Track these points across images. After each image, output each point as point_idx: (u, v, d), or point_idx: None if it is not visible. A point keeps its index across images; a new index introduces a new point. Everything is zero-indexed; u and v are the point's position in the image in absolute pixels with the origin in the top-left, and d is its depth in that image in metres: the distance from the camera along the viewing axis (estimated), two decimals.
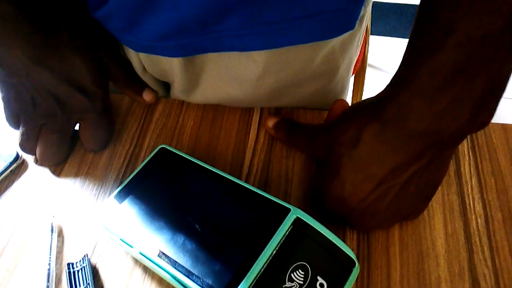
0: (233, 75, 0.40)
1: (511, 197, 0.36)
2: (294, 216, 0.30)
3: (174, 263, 0.29)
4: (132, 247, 0.31)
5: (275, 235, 0.29)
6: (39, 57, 0.35)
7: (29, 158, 0.41)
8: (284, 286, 0.28)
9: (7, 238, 0.35)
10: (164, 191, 0.34)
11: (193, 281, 0.28)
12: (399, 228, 0.34)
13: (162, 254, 0.30)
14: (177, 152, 0.36)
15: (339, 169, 0.31)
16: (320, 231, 0.30)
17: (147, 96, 0.43)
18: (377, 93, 0.31)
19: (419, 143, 0.28)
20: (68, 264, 0.32)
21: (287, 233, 0.30)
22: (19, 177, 0.39)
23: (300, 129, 0.38)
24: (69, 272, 0.32)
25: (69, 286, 0.31)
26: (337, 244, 0.30)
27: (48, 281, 0.32)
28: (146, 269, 0.33)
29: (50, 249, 0.33)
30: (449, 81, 0.26)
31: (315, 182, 0.34)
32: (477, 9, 0.23)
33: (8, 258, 0.34)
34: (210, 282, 0.28)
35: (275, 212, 0.31)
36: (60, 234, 0.35)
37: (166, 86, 0.47)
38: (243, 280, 0.27)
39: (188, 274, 0.29)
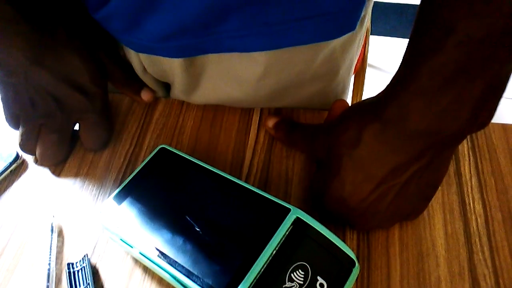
0: (233, 76, 0.40)
1: (511, 197, 0.36)
2: (294, 216, 0.30)
3: (174, 263, 0.29)
4: (132, 247, 0.31)
5: (275, 235, 0.29)
6: (37, 57, 0.35)
7: (29, 158, 0.41)
8: (284, 286, 0.28)
9: (7, 238, 0.35)
10: (164, 191, 0.34)
11: (193, 281, 0.28)
12: (399, 228, 0.34)
13: (162, 254, 0.30)
14: (177, 152, 0.36)
15: (339, 169, 0.31)
16: (320, 231, 0.30)
17: (145, 96, 0.43)
18: (377, 93, 0.31)
19: (419, 143, 0.28)
20: (68, 264, 0.32)
21: (287, 233, 0.30)
22: (19, 177, 0.39)
23: (300, 129, 0.38)
24: (69, 272, 0.32)
25: (69, 286, 0.31)
26: (337, 244, 0.30)
27: (48, 281, 0.32)
28: (146, 269, 0.33)
29: (50, 249, 0.33)
30: (449, 81, 0.26)
31: (315, 182, 0.34)
32: (477, 9, 0.23)
33: (8, 258, 0.34)
34: (210, 282, 0.28)
35: (275, 212, 0.31)
36: (60, 234, 0.35)
37: (167, 86, 0.47)
38: (243, 280, 0.27)
39: (188, 274, 0.29)
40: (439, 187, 0.34)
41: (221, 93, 0.42)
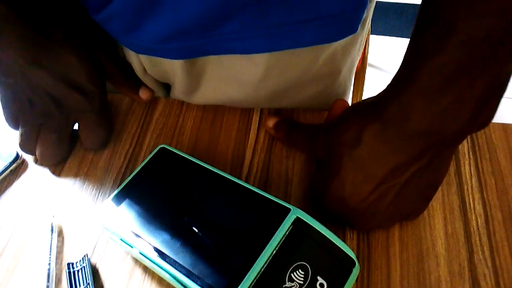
0: (234, 77, 0.40)
1: (511, 197, 0.36)
2: (294, 216, 0.30)
3: (174, 263, 0.29)
4: (132, 247, 0.31)
5: (275, 235, 0.29)
6: (33, 57, 0.35)
7: (29, 158, 0.41)
8: (284, 286, 0.28)
9: (7, 238, 0.35)
10: (164, 191, 0.34)
11: (193, 281, 0.28)
12: (399, 228, 0.34)
13: (162, 254, 0.30)
14: (177, 152, 0.36)
15: (339, 169, 0.31)
16: (320, 231, 0.30)
17: (143, 94, 0.43)
18: (377, 93, 0.31)
19: (419, 143, 0.28)
20: (68, 264, 0.32)
21: (287, 233, 0.30)
22: (19, 177, 0.39)
23: (300, 129, 0.38)
24: (69, 272, 0.32)
25: (69, 286, 0.31)
26: (337, 244, 0.30)
27: (48, 281, 0.32)
28: (146, 269, 0.33)
29: (50, 249, 0.33)
30: (450, 81, 0.26)
31: (315, 182, 0.34)
32: (478, 8, 0.23)
33: (8, 258, 0.34)
34: (210, 282, 0.28)
35: (275, 212, 0.31)
36: (60, 234, 0.35)
37: (167, 86, 0.47)
38: (243, 280, 0.27)
39: (188, 274, 0.29)
40: (439, 187, 0.34)
41: (222, 94, 0.42)
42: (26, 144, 0.39)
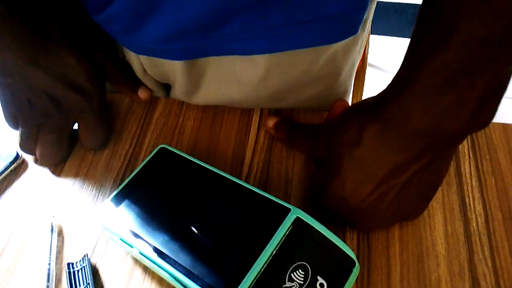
0: (234, 78, 0.40)
1: (511, 197, 0.36)
2: (294, 216, 0.30)
3: (174, 263, 0.29)
4: (132, 247, 0.31)
5: (275, 235, 0.29)
6: (31, 57, 0.35)
7: (29, 158, 0.41)
8: (284, 286, 0.28)
9: (7, 238, 0.35)
10: (164, 191, 0.34)
11: (193, 281, 0.28)
12: (399, 228, 0.34)
13: (162, 254, 0.30)
14: (177, 152, 0.36)
15: (339, 169, 0.31)
16: (320, 231, 0.30)
17: (142, 94, 0.43)
18: (377, 93, 0.31)
19: (419, 143, 0.28)
20: (68, 264, 0.32)
21: (287, 233, 0.30)
22: (19, 177, 0.39)
23: (300, 129, 0.38)
24: (69, 272, 0.32)
25: (69, 286, 0.31)
26: (337, 244, 0.30)
27: (48, 281, 0.32)
28: (146, 269, 0.33)
29: (50, 249, 0.33)
30: (451, 81, 0.26)
31: (315, 182, 0.34)
32: (479, 9, 0.23)
33: (8, 258, 0.34)
34: (210, 282, 0.28)
35: (275, 212, 0.31)
36: (60, 234, 0.35)
37: (167, 87, 0.47)
38: (243, 280, 0.27)
39: (188, 274, 0.29)
40: (439, 187, 0.34)
41: (222, 95, 0.42)
42: (26, 144, 0.39)
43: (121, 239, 0.32)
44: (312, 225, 0.30)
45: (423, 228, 0.34)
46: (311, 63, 0.40)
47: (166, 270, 0.29)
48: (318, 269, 0.29)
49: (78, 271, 0.32)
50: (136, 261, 0.34)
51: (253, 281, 0.27)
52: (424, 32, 0.27)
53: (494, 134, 0.40)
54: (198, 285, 0.28)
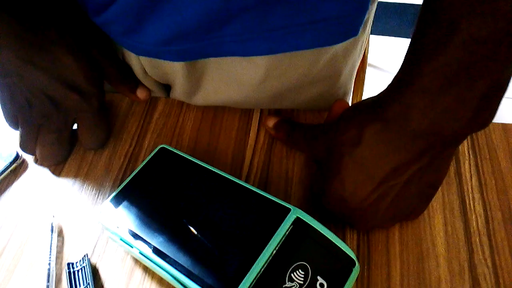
0: (234, 79, 0.40)
1: (511, 197, 0.36)
2: (294, 216, 0.30)
3: (174, 263, 0.29)
4: (132, 247, 0.31)
5: (275, 235, 0.29)
6: (29, 57, 0.35)
7: (29, 158, 0.41)
8: (284, 286, 0.28)
9: (7, 238, 0.35)
10: (164, 191, 0.34)
11: (193, 281, 0.28)
12: (399, 228, 0.34)
13: (162, 254, 0.30)
14: (177, 152, 0.36)
15: (340, 168, 0.31)
16: (320, 231, 0.30)
17: (141, 94, 0.43)
18: (377, 93, 0.31)
19: (420, 143, 0.28)
20: (68, 264, 0.32)
21: (287, 233, 0.30)
22: (19, 177, 0.39)
23: (300, 129, 0.38)
24: (69, 272, 0.32)
25: (69, 286, 0.31)
26: (337, 244, 0.30)
27: (48, 281, 0.32)
28: (146, 269, 0.33)
29: (50, 249, 0.33)
30: (452, 81, 0.26)
31: (315, 182, 0.34)
32: (480, 9, 0.23)
33: (8, 258, 0.34)
34: (210, 282, 0.28)
35: (275, 212, 0.31)
36: (60, 234, 0.35)
37: (167, 87, 0.47)
38: (243, 280, 0.27)
39: (188, 274, 0.29)
40: (439, 187, 0.34)
41: (222, 96, 0.42)
42: (26, 144, 0.39)
43: (121, 239, 0.32)
44: (312, 225, 0.30)
45: (423, 228, 0.34)
46: (311, 64, 0.40)
47: (166, 270, 0.29)
48: (318, 269, 0.29)
49: (78, 271, 0.32)
50: (136, 261, 0.34)
51: (253, 281, 0.27)
52: (425, 32, 0.27)
53: (494, 134, 0.40)
54: (198, 285, 0.28)
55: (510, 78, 0.27)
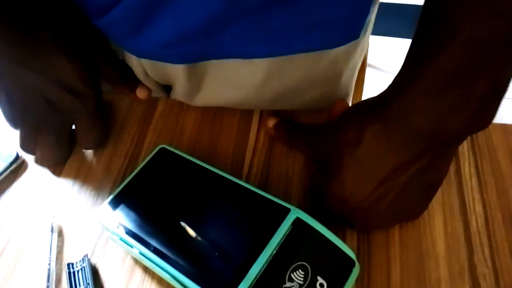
0: (235, 81, 0.40)
1: (511, 197, 0.36)
2: (294, 216, 0.30)
3: (174, 263, 0.29)
4: (132, 247, 0.31)
5: (275, 235, 0.29)
6: (22, 59, 0.35)
7: (29, 158, 0.41)
8: (284, 286, 0.28)
9: (7, 238, 0.35)
10: (164, 191, 0.34)
11: (193, 281, 0.28)
12: (399, 228, 0.34)
13: (162, 254, 0.30)
14: (177, 152, 0.36)
15: (340, 168, 0.31)
16: (320, 231, 0.30)
17: (141, 94, 0.42)
18: (377, 93, 0.31)
19: (420, 143, 0.28)
20: (68, 264, 0.32)
21: (287, 233, 0.30)
22: (19, 177, 0.39)
23: (300, 129, 0.38)
24: (69, 272, 0.32)
25: (69, 286, 0.31)
26: (337, 244, 0.30)
27: (48, 281, 0.32)
28: (146, 269, 0.33)
29: (50, 249, 0.33)
30: (452, 82, 0.26)
31: (315, 181, 0.34)
32: (481, 10, 0.24)
33: (8, 258, 0.34)
34: (210, 282, 0.28)
35: (275, 212, 0.31)
36: (60, 234, 0.35)
37: (167, 88, 0.47)
38: (243, 280, 0.27)
39: (188, 274, 0.29)
40: (439, 187, 0.34)
41: (222, 97, 0.42)
42: (26, 144, 0.39)
43: (121, 239, 0.32)
44: (312, 225, 0.30)
45: (423, 228, 0.34)
46: (312, 67, 0.40)
47: (166, 270, 0.29)
48: (318, 269, 0.29)
49: (78, 271, 0.32)
50: (136, 261, 0.34)
51: (253, 281, 0.27)
52: (425, 33, 0.27)
53: (494, 134, 0.40)
54: (198, 285, 0.28)
55: (510, 79, 0.27)
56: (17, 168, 0.40)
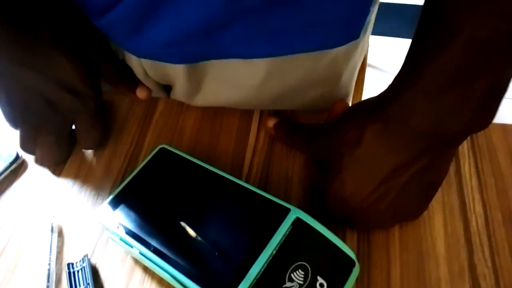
0: (235, 81, 0.40)
1: (511, 197, 0.36)
2: (294, 216, 0.30)
3: (174, 263, 0.29)
4: (132, 247, 0.31)
5: (275, 235, 0.29)
6: (21, 59, 0.35)
7: (29, 158, 0.41)
8: (284, 286, 0.28)
9: (7, 238, 0.35)
10: (164, 191, 0.34)
11: (193, 281, 0.28)
12: (399, 228, 0.34)
13: (162, 254, 0.30)
14: (177, 152, 0.36)
15: (340, 168, 0.31)
16: (320, 231, 0.30)
17: (141, 94, 0.42)
18: (377, 93, 0.31)
19: (420, 143, 0.28)
20: (68, 264, 0.32)
21: (287, 233, 0.30)
22: (19, 177, 0.39)
23: (300, 129, 0.38)
24: (69, 272, 0.32)
25: (69, 286, 0.31)
26: (337, 244, 0.30)
27: (48, 281, 0.32)
28: (146, 269, 0.33)
29: (50, 249, 0.33)
30: (452, 82, 0.26)
31: (315, 181, 0.34)
32: (481, 10, 0.24)
33: (8, 258, 0.34)
34: (210, 282, 0.28)
35: (275, 212, 0.31)
36: (60, 234, 0.35)
37: (167, 88, 0.47)
38: (243, 280, 0.27)
39: (188, 274, 0.29)
40: (439, 187, 0.34)
41: (222, 97, 0.42)
42: (26, 145, 0.39)
43: (121, 239, 0.32)
44: (312, 225, 0.30)
45: (423, 228, 0.34)
46: (312, 67, 0.40)
47: (166, 270, 0.29)
48: (318, 269, 0.29)
49: (78, 271, 0.32)
50: (136, 261, 0.34)
51: (253, 281, 0.27)
52: (425, 33, 0.27)
53: (494, 135, 0.40)
54: (198, 285, 0.28)
55: (510, 79, 0.27)
56: (17, 168, 0.40)
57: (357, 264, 0.30)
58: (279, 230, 0.30)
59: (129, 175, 0.35)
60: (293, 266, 0.28)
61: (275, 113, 0.43)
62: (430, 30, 0.26)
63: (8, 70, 0.35)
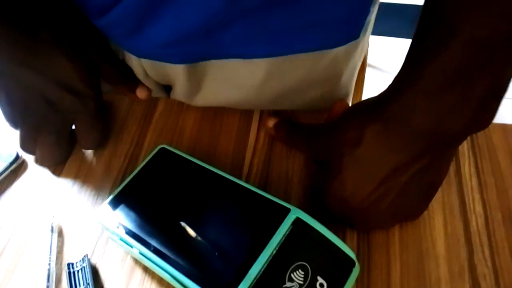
0: (235, 81, 0.40)
1: (511, 197, 0.36)
2: (294, 216, 0.30)
3: (174, 263, 0.29)
4: (132, 247, 0.31)
5: (275, 235, 0.29)
6: (22, 59, 0.35)
7: (29, 158, 0.41)
8: (284, 286, 0.28)
9: (7, 238, 0.35)
10: (164, 191, 0.34)
11: (193, 281, 0.28)
12: (399, 228, 0.34)
13: (162, 254, 0.30)
14: (177, 152, 0.36)
15: (340, 168, 0.31)
16: (320, 231, 0.30)
17: (141, 94, 0.42)
18: (377, 93, 0.31)
19: (420, 143, 0.28)
20: (68, 264, 0.32)
21: (287, 233, 0.30)
22: (19, 177, 0.39)
23: (300, 129, 0.38)
24: (69, 272, 0.32)
25: (69, 286, 0.31)
26: (337, 244, 0.30)
27: (48, 281, 0.32)
28: (146, 269, 0.33)
29: (50, 249, 0.33)
30: (452, 82, 0.26)
31: (315, 181, 0.34)
32: (481, 10, 0.24)
33: (8, 258, 0.34)
34: (210, 282, 0.28)
35: (275, 212, 0.31)
36: (60, 234, 0.35)
37: (167, 88, 0.47)
38: (243, 280, 0.27)
39: (188, 274, 0.29)
40: (439, 187, 0.34)
41: (222, 97, 0.42)
42: (26, 144, 0.39)
43: (121, 239, 0.32)
44: (312, 225, 0.30)
45: (423, 228, 0.34)
46: (312, 67, 0.40)
47: (166, 270, 0.29)
48: (318, 269, 0.29)
49: (78, 271, 0.32)
50: (136, 261, 0.34)
51: (253, 281, 0.27)
52: (425, 33, 0.27)
53: (494, 134, 0.40)
54: (198, 285, 0.28)
55: (510, 79, 0.27)
56: (17, 168, 0.40)
57: (357, 264, 0.30)
58: (279, 230, 0.30)
59: (129, 175, 0.35)
60: (293, 266, 0.28)
61: (275, 113, 0.43)
62: (430, 30, 0.26)
63: (8, 70, 0.35)
